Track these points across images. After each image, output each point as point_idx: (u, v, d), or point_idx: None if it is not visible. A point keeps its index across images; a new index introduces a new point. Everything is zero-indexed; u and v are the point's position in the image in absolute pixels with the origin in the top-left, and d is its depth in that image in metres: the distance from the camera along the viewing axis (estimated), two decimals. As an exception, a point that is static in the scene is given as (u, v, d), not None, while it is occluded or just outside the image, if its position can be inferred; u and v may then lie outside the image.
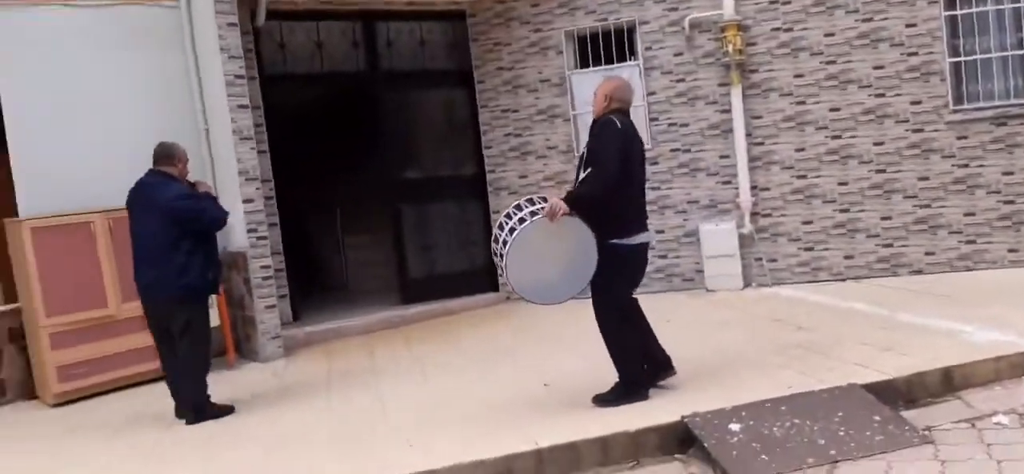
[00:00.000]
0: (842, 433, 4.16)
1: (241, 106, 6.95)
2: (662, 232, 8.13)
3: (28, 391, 6.53)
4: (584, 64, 8.22)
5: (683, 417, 4.37)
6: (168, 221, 5.14)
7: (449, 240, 8.70)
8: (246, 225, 6.99)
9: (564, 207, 4.35)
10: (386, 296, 8.73)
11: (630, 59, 8.10)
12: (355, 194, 9.74)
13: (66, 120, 6.69)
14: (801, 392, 4.61)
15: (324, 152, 9.40)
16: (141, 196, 5.28)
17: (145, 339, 5.90)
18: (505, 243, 4.44)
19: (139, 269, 5.29)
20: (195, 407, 5.32)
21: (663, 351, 4.95)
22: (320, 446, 4.65)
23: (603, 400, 4.74)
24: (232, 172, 7.00)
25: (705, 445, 4.15)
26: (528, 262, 4.42)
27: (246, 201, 6.99)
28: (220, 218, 5.42)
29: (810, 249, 7.87)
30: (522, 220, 4.44)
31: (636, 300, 4.88)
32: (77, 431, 5.54)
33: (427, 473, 4.05)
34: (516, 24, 8.29)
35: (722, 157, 7.95)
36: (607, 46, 8.09)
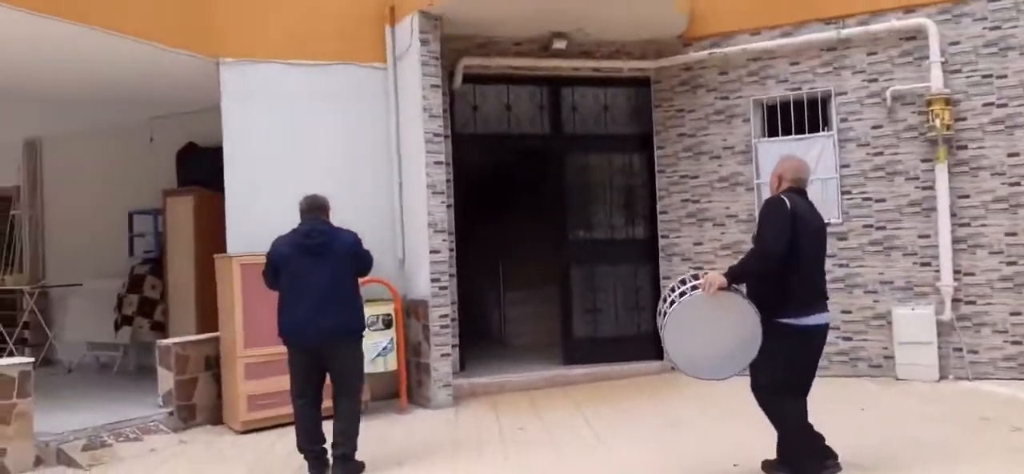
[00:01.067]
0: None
1: (437, 163, 7.24)
2: (849, 313, 7.67)
3: (215, 417, 6.92)
4: (772, 133, 7.99)
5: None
6: (349, 266, 5.28)
7: (616, 303, 8.61)
8: (430, 275, 7.20)
9: (721, 281, 4.34)
10: (545, 353, 8.73)
11: (823, 129, 7.80)
12: (524, 252, 9.86)
13: (278, 167, 7.19)
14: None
15: (501, 210, 9.60)
16: (314, 242, 5.18)
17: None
18: (665, 314, 4.50)
19: (314, 314, 5.09)
20: (347, 454, 5.18)
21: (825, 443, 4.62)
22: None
23: None
24: (422, 224, 7.26)
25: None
26: (688, 335, 4.43)
27: (433, 252, 7.20)
28: (372, 263, 5.55)
29: (1018, 343, 7.17)
30: (683, 294, 4.46)
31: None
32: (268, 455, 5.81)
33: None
34: (702, 91, 8.21)
35: (921, 237, 7.44)
36: (799, 114, 7.84)
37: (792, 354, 4.43)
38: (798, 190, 4.58)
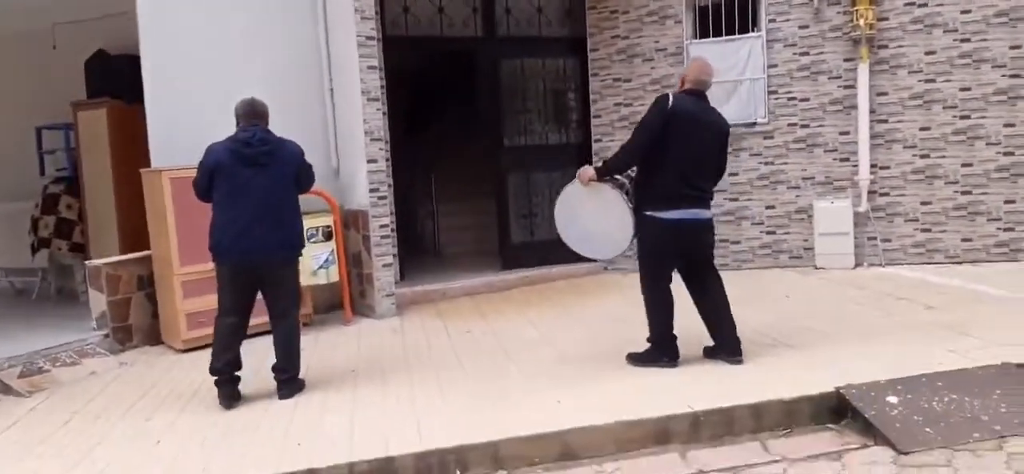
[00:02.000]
0: (1004, 410, 4.08)
1: (371, 67, 7.05)
2: (773, 208, 8.01)
3: (153, 337, 6.75)
4: (704, 34, 8.10)
5: (837, 388, 4.35)
6: (292, 179, 4.97)
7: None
8: (368, 184, 7.10)
9: (591, 172, 4.93)
10: (481, 261, 8.82)
11: (752, 30, 7.95)
12: (457, 159, 9.81)
13: (198, 74, 6.84)
14: (954, 369, 4.58)
15: (432, 117, 9.48)
16: (255, 151, 4.85)
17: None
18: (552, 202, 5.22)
19: (253, 227, 4.82)
20: (292, 376, 5.08)
21: (734, 333, 5.03)
22: (461, 402, 4.72)
23: (635, 358, 5.13)
24: (358, 132, 7.11)
25: (865, 415, 4.11)
26: (572, 220, 5.10)
27: (370, 161, 7.09)
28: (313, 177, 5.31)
29: (927, 230, 7.68)
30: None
31: (711, 275, 5.09)
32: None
33: (588, 428, 4.09)
34: (635, -8, 8.23)
35: (842, 133, 7.78)
36: (730, 16, 7.95)
37: (653, 245, 4.90)
38: (696, 92, 4.84)
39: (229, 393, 4.95)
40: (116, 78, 8.09)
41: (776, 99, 7.93)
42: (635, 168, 4.95)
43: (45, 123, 8.79)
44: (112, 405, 5.17)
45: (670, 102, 4.72)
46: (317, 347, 6.29)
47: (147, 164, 6.79)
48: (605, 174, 4.94)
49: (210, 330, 5.12)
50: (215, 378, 4.97)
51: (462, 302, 7.60)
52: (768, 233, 8.04)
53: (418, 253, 9.70)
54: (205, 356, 5.20)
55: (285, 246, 4.99)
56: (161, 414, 4.91)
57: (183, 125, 6.61)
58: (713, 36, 8.05)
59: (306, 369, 5.62)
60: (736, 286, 7.19)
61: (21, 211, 8.69)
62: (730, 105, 8.03)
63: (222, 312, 5.00)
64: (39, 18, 8.33)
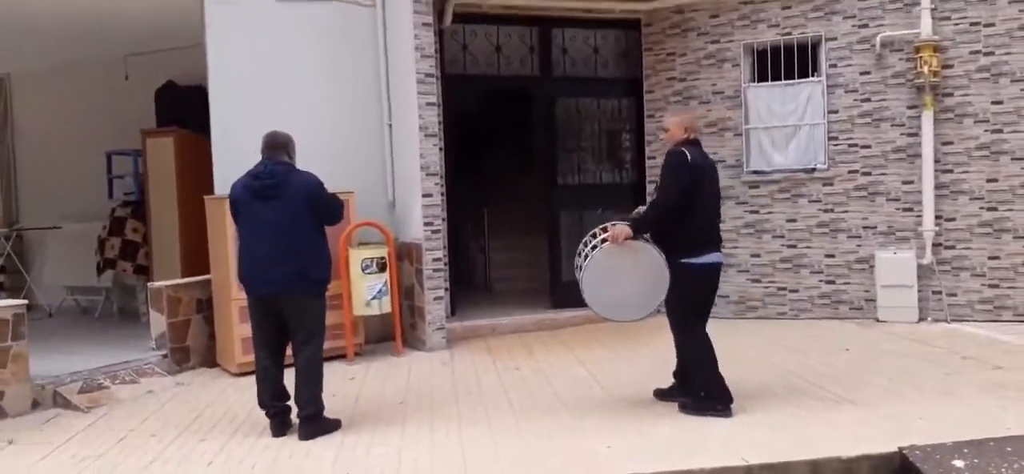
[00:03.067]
0: (1080, 481, 3.89)
1: (429, 104, 7.17)
2: (833, 256, 7.85)
3: (209, 359, 6.89)
4: (762, 78, 8.04)
5: (900, 448, 4.20)
6: (304, 211, 4.86)
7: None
8: (423, 218, 7.18)
9: (626, 231, 4.84)
10: (532, 298, 8.81)
11: (812, 75, 7.86)
12: (509, 196, 9.86)
13: (264, 106, 7.00)
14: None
15: (488, 153, 9.56)
16: (263, 185, 4.85)
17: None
18: (581, 268, 4.98)
19: (266, 262, 4.83)
20: (310, 414, 4.91)
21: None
22: (509, 442, 4.70)
23: (688, 407, 5.03)
24: (414, 167, 7.21)
25: (928, 479, 3.96)
26: (603, 284, 4.91)
27: (425, 195, 7.18)
28: (339, 211, 5.19)
29: (995, 286, 7.42)
30: (594, 248, 4.94)
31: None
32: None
33: (637, 475, 4.03)
34: (693, 35, 8.20)
35: (905, 182, 7.61)
36: (789, 60, 7.89)
37: (692, 291, 4.92)
38: (695, 141, 5.03)
39: (278, 424, 4.97)
40: (184, 107, 8.40)
41: (836, 145, 7.80)
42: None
43: (115, 149, 9.12)
44: (167, 424, 5.27)
45: (687, 156, 4.88)
46: (367, 378, 6.34)
47: (210, 191, 6.99)
48: (639, 232, 4.92)
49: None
50: (263, 410, 5.02)
51: (511, 339, 7.59)
52: (827, 282, 7.87)
53: (469, 288, 9.74)
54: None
55: (301, 278, 4.84)
56: (214, 436, 4.99)
57: (246, 154, 6.69)
58: (772, 80, 7.98)
59: (356, 400, 5.71)
60: (794, 336, 7.16)
61: (89, 232, 9.01)
62: (789, 150, 7.95)
63: (254, 346, 5.08)
64: (113, 49, 8.71)
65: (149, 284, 7.13)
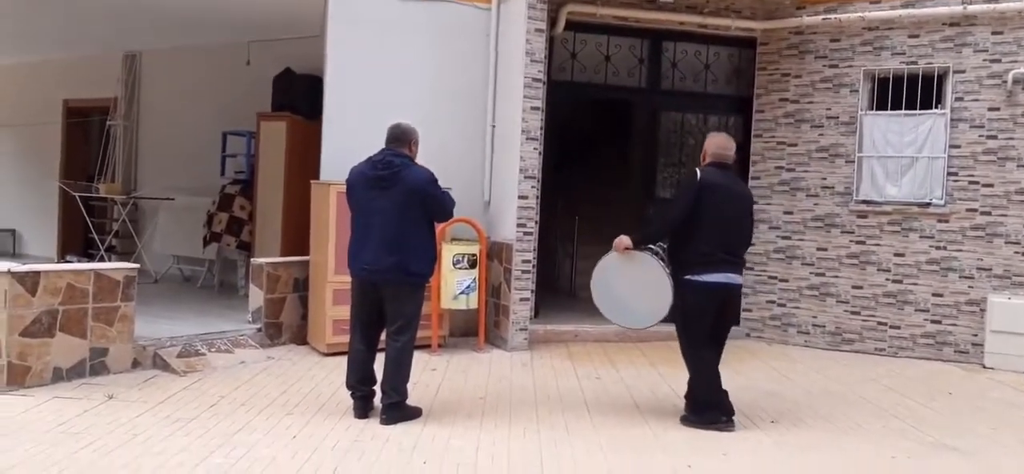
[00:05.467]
0: None
1: (533, 108, 7.19)
2: (941, 296, 7.42)
3: (300, 337, 7.08)
4: (881, 106, 7.69)
5: (1006, 504, 3.93)
6: (414, 204, 4.91)
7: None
8: (517, 219, 7.20)
9: (627, 241, 5.15)
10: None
11: (936, 107, 7.48)
12: (603, 204, 9.74)
13: (373, 97, 7.18)
14: None
15: (585, 161, 9.50)
16: (380, 174, 4.95)
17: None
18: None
19: (371, 248, 4.93)
20: (398, 402, 4.98)
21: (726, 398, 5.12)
22: (586, 449, 4.62)
23: (689, 420, 5.13)
24: (512, 168, 7.24)
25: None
26: (608, 287, 5.27)
27: (521, 197, 7.20)
28: (452, 207, 5.18)
29: (1124, 347, 6.86)
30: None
31: (722, 340, 5.23)
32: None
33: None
34: (810, 57, 7.92)
35: (1028, 226, 7.15)
36: (911, 90, 7.52)
37: (691, 307, 5.04)
38: (719, 164, 5.15)
39: (361, 406, 5.07)
40: (298, 94, 8.68)
41: (955, 181, 7.38)
42: (666, 242, 5.21)
43: (231, 129, 9.52)
44: (257, 395, 5.44)
45: (699, 175, 5.06)
46: (449, 370, 6.39)
47: (316, 176, 7.20)
48: (641, 243, 5.17)
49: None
50: (349, 391, 5.13)
51: (593, 347, 7.50)
52: (933, 322, 7.45)
53: (553, 292, 9.68)
54: (345, 362, 5.33)
55: (400, 270, 4.90)
56: (300, 411, 5.12)
57: (353, 144, 6.87)
58: (891, 109, 7.62)
59: (437, 391, 5.76)
60: (893, 374, 6.81)
61: (199, 206, 9.44)
62: (903, 182, 7.57)
63: (350, 326, 5.19)
64: (237, 35, 9.10)
65: (251, 260, 7.40)
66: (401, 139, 5.07)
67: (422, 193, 4.94)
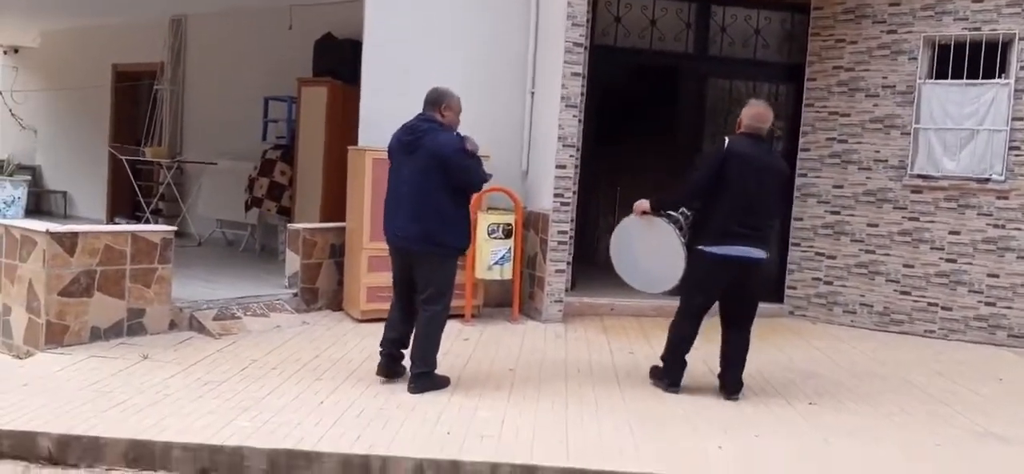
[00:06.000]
0: None
1: (574, 73, 7.01)
2: (996, 277, 7.07)
3: (336, 302, 7.08)
4: (941, 74, 7.31)
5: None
6: (436, 171, 4.79)
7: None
8: (554, 189, 7.06)
9: (645, 205, 5.18)
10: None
11: (1000, 77, 7.08)
12: (646, 174, 9.53)
13: (412, 62, 7.07)
14: None
15: (629, 129, 9.28)
16: (408, 139, 4.90)
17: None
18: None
19: (401, 215, 4.91)
20: (425, 372, 4.92)
21: (738, 377, 5.14)
22: (614, 425, 4.52)
23: (652, 370, 5.38)
24: (551, 136, 7.09)
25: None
26: (625, 249, 5.35)
27: (559, 166, 7.05)
28: (483, 178, 5.03)
29: None
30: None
31: (743, 318, 5.14)
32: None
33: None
34: (867, 22, 7.54)
35: (1097, 205, 6.75)
36: (974, 58, 7.13)
37: (699, 277, 5.03)
38: (752, 134, 5.04)
39: (385, 366, 5.07)
40: (339, 59, 8.62)
41: (1018, 156, 6.99)
42: (691, 209, 5.15)
43: (272, 94, 9.54)
44: (288, 360, 5.45)
45: (726, 144, 5.00)
46: (481, 340, 6.32)
47: (356, 142, 7.16)
48: (659, 208, 5.16)
49: (387, 305, 5.29)
50: (380, 349, 5.13)
51: (628, 321, 7.34)
52: (987, 305, 7.11)
53: (591, 264, 9.53)
54: (379, 329, 5.32)
55: (425, 240, 4.83)
56: (329, 377, 5.10)
57: (391, 109, 6.78)
58: (952, 78, 7.24)
59: (467, 360, 5.70)
60: (942, 357, 6.54)
61: (242, 170, 9.50)
62: (961, 156, 7.21)
63: (393, 290, 5.16)
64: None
65: (289, 225, 7.42)
66: (433, 103, 4.97)
67: (442, 158, 4.79)
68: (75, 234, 5.48)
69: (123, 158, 10.57)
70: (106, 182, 11.73)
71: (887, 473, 3.94)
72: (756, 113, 5.09)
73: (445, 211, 4.84)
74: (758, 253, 4.99)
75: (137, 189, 10.59)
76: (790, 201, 7.97)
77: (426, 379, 4.93)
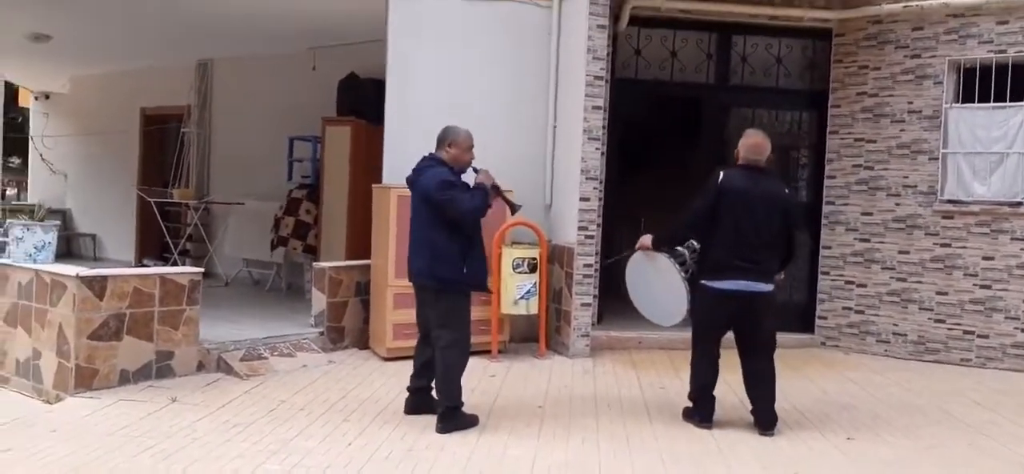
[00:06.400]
0: None
1: (595, 107, 7.02)
2: (1030, 303, 6.93)
3: (362, 341, 7.07)
4: (967, 98, 7.23)
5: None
6: (428, 207, 4.91)
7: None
8: (578, 222, 7.03)
9: (647, 241, 5.29)
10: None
11: (1027, 99, 7.00)
12: (668, 205, 9.48)
13: (434, 101, 7.10)
14: None
15: (651, 160, 9.26)
16: (410, 178, 5.12)
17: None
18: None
19: (410, 251, 5.12)
20: (447, 409, 4.89)
21: (769, 409, 5.05)
22: (648, 463, 4.44)
23: (685, 413, 5.30)
24: (574, 169, 7.08)
25: None
26: (638, 282, 5.47)
27: (582, 200, 7.02)
28: (469, 209, 4.85)
29: None
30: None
31: (760, 348, 5.07)
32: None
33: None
34: (890, 48, 7.49)
35: None
36: (1000, 81, 7.04)
37: (703, 312, 5.10)
38: (750, 166, 5.02)
39: (410, 402, 5.17)
40: (363, 99, 8.72)
41: (1050, 179, 6.89)
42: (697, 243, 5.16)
43: (297, 134, 9.64)
44: (316, 400, 5.43)
45: (720, 177, 4.99)
46: (508, 377, 6.27)
47: (380, 180, 7.19)
48: (661, 244, 5.22)
49: (413, 342, 5.32)
50: (407, 387, 5.22)
51: (658, 355, 7.25)
52: (1022, 330, 6.96)
53: (617, 297, 9.44)
54: (407, 367, 5.33)
55: (423, 273, 4.96)
56: (356, 417, 5.07)
57: (414, 147, 6.84)
58: (979, 101, 7.15)
59: (495, 398, 5.65)
60: (980, 387, 6.38)
61: (268, 210, 9.59)
62: (992, 180, 7.11)
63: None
64: (302, 42, 9.22)
65: (314, 264, 7.45)
66: (439, 141, 5.12)
67: (426, 194, 4.91)
68: (105, 278, 5.53)
69: (151, 200, 10.71)
70: (135, 224, 11.89)
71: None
72: (752, 144, 5.07)
73: (437, 245, 4.89)
74: (759, 286, 4.94)
75: (165, 230, 10.72)
76: (816, 230, 7.90)
77: (452, 419, 4.89)
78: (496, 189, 5.10)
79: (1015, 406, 5.84)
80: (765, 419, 5.03)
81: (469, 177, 5.10)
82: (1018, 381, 6.66)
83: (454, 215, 4.88)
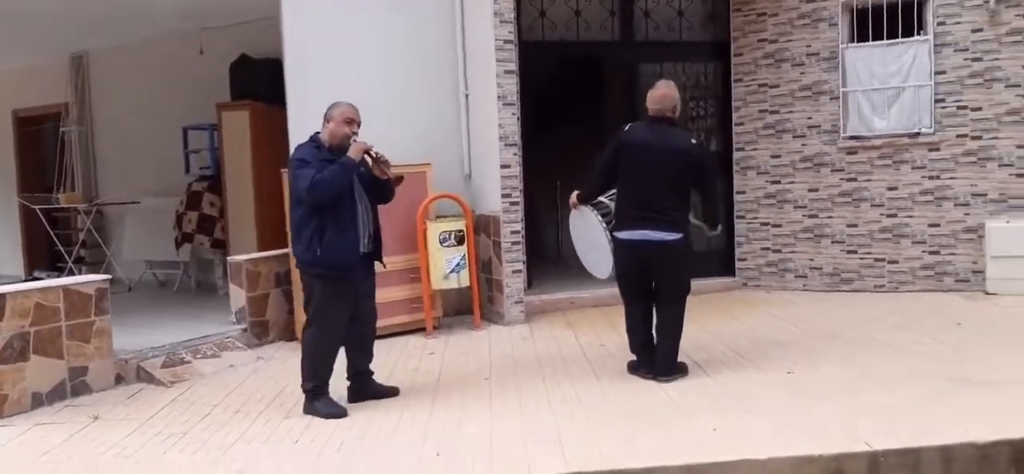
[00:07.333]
0: None
1: (508, 71, 6.92)
2: (937, 226, 7.32)
3: (289, 333, 6.79)
4: (862, 38, 7.52)
5: (1043, 431, 3.81)
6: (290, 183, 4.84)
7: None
8: (501, 190, 6.97)
9: (573, 197, 5.38)
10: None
11: (918, 34, 7.31)
12: (584, 165, 9.52)
13: (337, 76, 6.80)
14: None
15: (563, 122, 9.26)
16: None
17: (396, 293, 6.49)
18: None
19: None
20: (306, 389, 4.85)
21: (666, 359, 5.15)
22: (604, 421, 4.44)
23: (631, 365, 5.38)
24: (491, 137, 6.98)
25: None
26: (578, 241, 5.52)
27: (503, 166, 6.96)
28: (305, 187, 4.55)
29: (1120, 258, 6.82)
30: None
31: (662, 299, 5.16)
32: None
33: (753, 462, 3.73)
34: (787, -7, 7.73)
35: (1020, 147, 7.04)
36: (892, 19, 7.34)
37: (616, 264, 5.19)
38: (656, 117, 5.07)
39: (353, 391, 5.03)
40: (258, 80, 8.31)
41: (943, 108, 7.25)
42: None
43: (191, 123, 9.11)
44: (251, 400, 5.18)
45: (623, 132, 5.14)
46: (447, 352, 6.17)
47: (285, 163, 6.85)
48: (583, 200, 5.31)
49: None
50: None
51: (592, 313, 7.30)
52: (931, 253, 7.37)
53: (542, 261, 9.47)
54: (340, 355, 5.06)
55: (295, 255, 4.88)
56: (298, 413, 4.85)
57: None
58: (873, 40, 7.45)
59: (438, 376, 5.55)
60: (897, 310, 6.71)
61: (167, 207, 9.06)
62: (890, 114, 7.44)
63: None
64: (188, 23, 8.66)
65: (228, 258, 7.08)
66: (323, 118, 4.88)
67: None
68: (3, 296, 5.07)
69: (36, 207, 9.94)
70: (19, 235, 11.04)
71: (877, 428, 3.96)
72: (657, 96, 5.11)
73: (295, 225, 4.77)
74: (660, 235, 4.97)
75: (56, 238, 9.99)
76: (730, 176, 8.10)
77: (308, 405, 4.82)
78: (378, 161, 4.81)
79: (934, 325, 6.17)
80: (660, 367, 5.11)
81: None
82: (931, 301, 7.05)
83: (295, 190, 4.69)
